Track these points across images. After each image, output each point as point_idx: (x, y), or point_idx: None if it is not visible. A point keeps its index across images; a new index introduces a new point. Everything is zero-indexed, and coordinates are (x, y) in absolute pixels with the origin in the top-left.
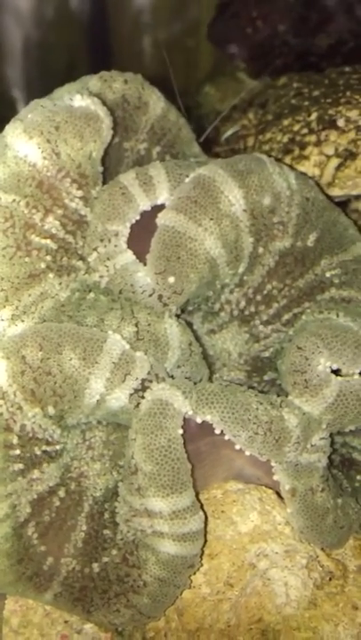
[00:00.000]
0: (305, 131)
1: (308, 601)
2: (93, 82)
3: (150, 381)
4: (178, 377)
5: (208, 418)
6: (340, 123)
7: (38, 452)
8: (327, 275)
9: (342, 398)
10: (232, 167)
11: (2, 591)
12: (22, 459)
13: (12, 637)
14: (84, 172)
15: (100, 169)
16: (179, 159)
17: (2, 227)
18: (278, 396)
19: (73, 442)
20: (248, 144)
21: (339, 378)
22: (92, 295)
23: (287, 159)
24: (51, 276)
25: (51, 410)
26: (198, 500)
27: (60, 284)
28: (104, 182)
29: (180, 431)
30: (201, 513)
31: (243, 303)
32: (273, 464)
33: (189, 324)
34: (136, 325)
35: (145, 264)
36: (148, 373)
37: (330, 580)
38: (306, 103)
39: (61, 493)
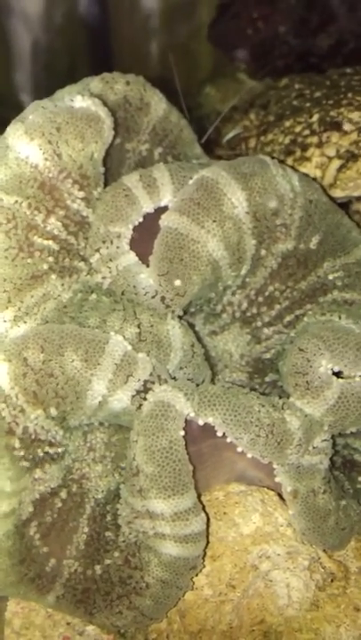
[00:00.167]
0: (307, 132)
1: (310, 602)
2: (95, 83)
3: (152, 383)
4: (180, 378)
5: (210, 420)
6: (345, 126)
7: (41, 454)
8: (330, 277)
9: (344, 400)
10: (235, 169)
11: (4, 593)
12: (26, 459)
13: (14, 639)
14: (86, 173)
15: (102, 170)
16: (180, 160)
17: (4, 228)
18: (280, 397)
19: (75, 444)
20: (250, 145)
21: (340, 380)
22: (94, 296)
23: (289, 160)
24: (53, 277)
25: (53, 411)
26: (200, 502)
27: (63, 285)
28: (106, 183)
29: (182, 433)
30: (203, 514)
31: (245, 305)
32: (275, 466)
33: (191, 326)
34: (138, 327)
35: (148, 266)
36: (151, 375)
37: (332, 581)
38: (307, 104)
39: (63, 495)
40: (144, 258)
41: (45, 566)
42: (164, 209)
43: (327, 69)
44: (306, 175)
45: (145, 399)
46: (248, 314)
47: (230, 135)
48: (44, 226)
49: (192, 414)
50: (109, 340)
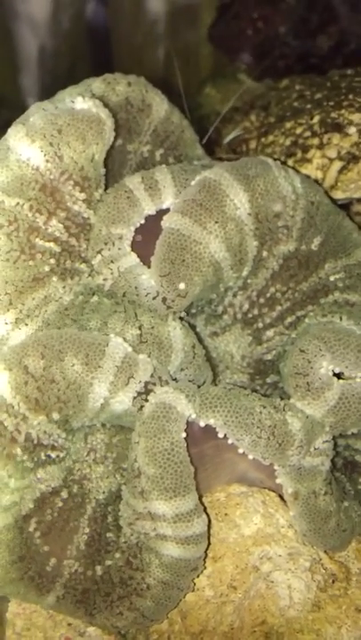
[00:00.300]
0: (308, 134)
1: (311, 603)
2: (97, 84)
3: (153, 384)
4: (181, 379)
5: (211, 421)
6: (348, 128)
7: (43, 457)
8: (331, 278)
9: (344, 401)
10: (238, 171)
11: (4, 591)
12: (29, 461)
13: None
14: (87, 175)
15: (103, 171)
16: (182, 161)
17: (6, 230)
18: (281, 398)
19: (76, 445)
20: (250, 147)
21: (341, 381)
22: (95, 298)
23: (290, 162)
24: (54, 279)
25: (55, 416)
26: (202, 503)
27: (64, 287)
28: (107, 185)
29: (184, 434)
30: (204, 516)
31: (246, 306)
32: (276, 467)
33: (192, 327)
34: (139, 328)
35: (149, 267)
36: (152, 376)
37: (333, 582)
38: (308, 106)
39: (64, 494)
40: (146, 260)
41: (46, 565)
42: (165, 211)
43: (328, 70)
44: (307, 177)
45: (146, 400)
46: (249, 315)
47: (231, 136)
48: (45, 228)
49: (193, 416)
50: (109, 342)
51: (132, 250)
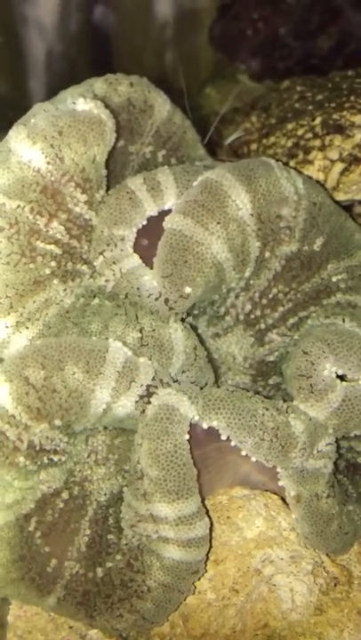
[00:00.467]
0: (309, 135)
1: (313, 607)
2: (99, 84)
3: (155, 387)
4: (183, 382)
5: (214, 423)
6: (350, 130)
7: (46, 461)
8: (333, 279)
9: (348, 403)
10: (239, 171)
11: (4, 592)
12: (32, 465)
13: None
14: (88, 177)
15: (104, 172)
16: (184, 162)
17: (7, 233)
18: (284, 400)
19: (77, 447)
20: (252, 148)
21: (344, 383)
22: (96, 301)
23: (291, 163)
24: (55, 282)
25: (57, 422)
26: (204, 506)
27: (65, 290)
28: (109, 186)
29: (187, 436)
30: (206, 519)
31: (248, 307)
32: (279, 470)
33: (194, 328)
34: (140, 331)
35: (152, 269)
36: (153, 379)
37: (335, 585)
38: (310, 107)
39: (65, 496)
40: (148, 261)
41: (46, 566)
42: (167, 212)
43: (328, 71)
44: (309, 178)
45: (149, 403)
46: (252, 316)
47: (232, 138)
48: (46, 230)
49: (196, 418)
50: (109, 347)
51: (135, 251)
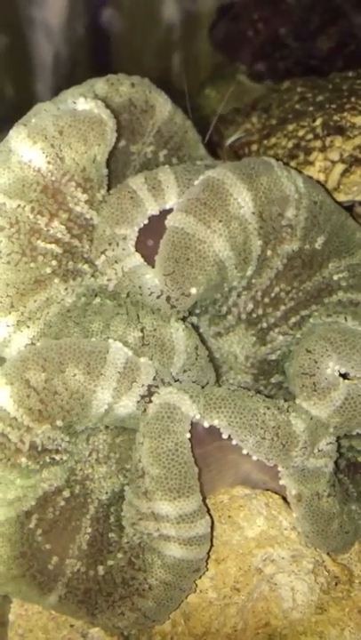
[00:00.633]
0: (310, 136)
1: (314, 606)
2: (100, 85)
3: (156, 387)
4: (184, 381)
5: (216, 422)
6: (350, 131)
7: (48, 460)
8: (335, 277)
9: (350, 401)
10: (241, 170)
11: (6, 589)
12: (34, 465)
13: None
14: (89, 176)
15: (105, 172)
16: (185, 162)
17: (7, 233)
18: (285, 399)
19: (78, 446)
20: (252, 149)
21: (346, 381)
22: (97, 300)
23: (292, 164)
24: (56, 281)
25: (59, 423)
26: (205, 505)
27: (66, 289)
28: (110, 185)
29: (188, 435)
30: (207, 517)
31: (250, 306)
32: (280, 469)
33: (196, 327)
34: (142, 330)
35: (153, 268)
36: (154, 379)
37: (336, 584)
38: (310, 108)
39: (66, 494)
40: (149, 260)
41: (48, 564)
42: (169, 211)
43: (328, 72)
44: (310, 177)
45: (150, 402)
46: (253, 315)
47: (233, 139)
48: (47, 229)
49: (198, 416)
50: (109, 348)
51: (136, 250)
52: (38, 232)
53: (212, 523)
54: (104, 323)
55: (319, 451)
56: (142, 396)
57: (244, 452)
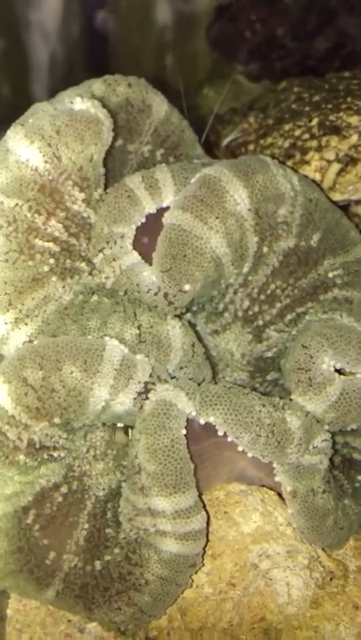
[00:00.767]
0: (306, 136)
1: (309, 600)
2: (97, 85)
3: (153, 384)
4: (181, 378)
5: (211, 419)
6: (346, 131)
7: (46, 457)
8: (330, 275)
9: (345, 396)
10: (237, 167)
11: (3, 584)
12: (33, 461)
13: (16, 636)
14: (86, 175)
15: (102, 171)
16: (182, 161)
17: (5, 231)
18: (281, 396)
19: (75, 443)
20: (249, 149)
21: (342, 377)
22: (95, 298)
23: (289, 164)
24: (54, 279)
25: (57, 420)
26: (201, 501)
27: (64, 287)
28: (108, 184)
29: (184, 432)
30: (203, 512)
31: (246, 303)
32: (275, 465)
33: (193, 325)
34: (139, 328)
35: (151, 265)
36: (150, 376)
37: (331, 579)
38: (307, 108)
39: (64, 490)
40: (147, 258)
41: (45, 559)
42: (166, 209)
43: (325, 72)
44: (305, 176)
45: (147, 399)
46: (250, 312)
47: (230, 139)
48: (44, 228)
49: (193, 413)
50: (106, 345)
51: (134, 248)
52: (36, 230)
53: (208, 518)
54: (101, 320)
55: (314, 448)
56: (139, 393)
57: (240, 448)
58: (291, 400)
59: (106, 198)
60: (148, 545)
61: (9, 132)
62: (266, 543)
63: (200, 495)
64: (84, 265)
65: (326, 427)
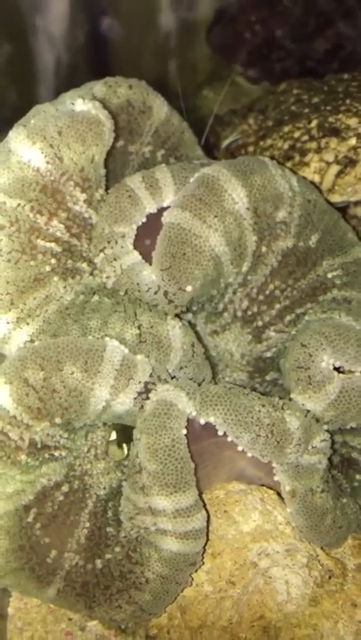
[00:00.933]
0: (305, 138)
1: (308, 599)
2: (98, 87)
3: (153, 384)
4: (181, 378)
5: (211, 419)
6: (345, 133)
7: (47, 456)
8: (329, 275)
9: (345, 394)
10: (236, 167)
11: (5, 582)
12: (34, 461)
13: (17, 634)
14: (87, 176)
15: (103, 172)
16: (182, 161)
17: (7, 231)
18: (280, 396)
19: (76, 442)
20: (249, 150)
21: (341, 375)
22: (96, 298)
23: (288, 165)
24: (55, 279)
25: (58, 420)
26: (201, 500)
27: (65, 287)
28: (109, 185)
29: (184, 431)
30: (203, 511)
31: (246, 303)
32: (274, 465)
33: (193, 325)
34: (139, 328)
35: (151, 264)
36: (151, 376)
37: (330, 578)
38: (306, 110)
39: (65, 489)
40: (147, 257)
41: (46, 557)
42: (166, 209)
43: (324, 73)
44: (304, 178)
45: (147, 399)
46: (249, 313)
47: (230, 140)
48: (46, 228)
49: (194, 413)
50: (106, 346)
51: (135, 247)
52: (38, 231)
53: (208, 517)
54: (102, 320)
55: (313, 447)
56: (139, 393)
57: (240, 448)
58: (290, 400)
59: (107, 198)
60: (149, 543)
61: (11, 133)
62: (265, 542)
63: (200, 494)
64: (85, 265)
65: (326, 425)
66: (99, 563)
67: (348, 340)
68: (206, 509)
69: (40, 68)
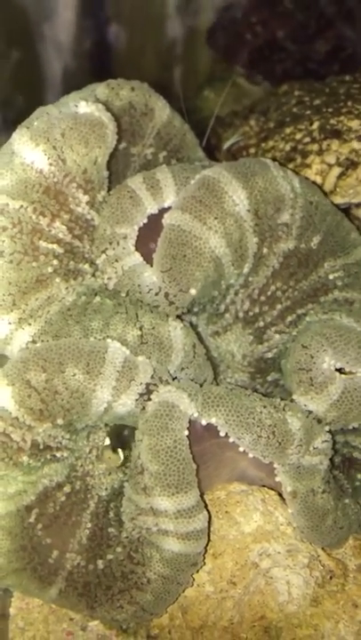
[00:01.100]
0: (307, 139)
1: (309, 599)
2: (101, 89)
3: (155, 385)
4: (182, 379)
5: (213, 420)
6: (347, 135)
7: (49, 457)
8: (330, 277)
9: (347, 395)
10: (236, 169)
11: (6, 582)
12: (36, 462)
13: (19, 634)
14: (90, 178)
15: (106, 174)
16: (184, 163)
17: (10, 232)
18: (281, 397)
19: (78, 443)
20: (250, 152)
21: (343, 375)
22: (97, 299)
23: (290, 167)
24: (57, 280)
25: (60, 421)
26: (203, 501)
27: (67, 288)
28: (112, 187)
29: (186, 432)
30: (205, 512)
31: (247, 304)
32: (276, 466)
33: (194, 326)
34: (140, 329)
35: (152, 266)
36: (152, 377)
37: (331, 578)
38: (308, 112)
39: (67, 489)
40: (148, 258)
41: (48, 558)
42: (167, 210)
43: (325, 75)
44: (306, 179)
45: (149, 400)
46: (250, 314)
47: (231, 142)
48: (48, 230)
49: (196, 414)
50: (108, 347)
51: (136, 248)
52: (40, 232)
53: (210, 518)
54: (104, 321)
55: (314, 448)
56: (141, 395)
57: (241, 449)
58: (292, 401)
59: (108, 199)
60: (151, 544)
61: (14, 135)
62: (266, 542)
63: (202, 495)
64: (87, 267)
65: (328, 426)
66: (100, 563)
67: (349, 342)
68: (208, 510)
69: (47, 74)
